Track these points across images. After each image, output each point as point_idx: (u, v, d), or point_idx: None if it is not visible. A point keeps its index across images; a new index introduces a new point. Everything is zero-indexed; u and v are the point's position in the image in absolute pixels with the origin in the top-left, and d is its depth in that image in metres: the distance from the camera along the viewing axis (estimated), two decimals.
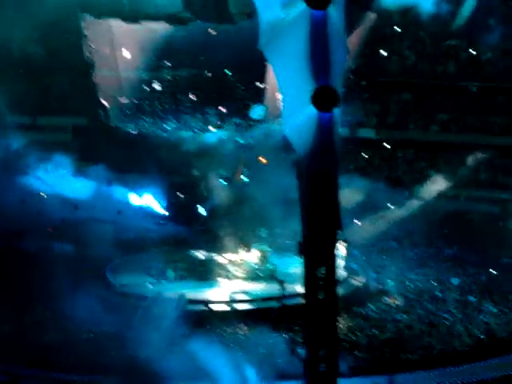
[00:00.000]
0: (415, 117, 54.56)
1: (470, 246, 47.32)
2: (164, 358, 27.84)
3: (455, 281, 41.29)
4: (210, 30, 43.71)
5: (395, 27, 54.08)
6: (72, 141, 53.45)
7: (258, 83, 48.48)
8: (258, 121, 48.98)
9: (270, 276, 38.83)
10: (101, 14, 41.21)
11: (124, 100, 50.01)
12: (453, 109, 53.84)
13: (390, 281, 41.11)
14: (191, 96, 50.03)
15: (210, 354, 27.78)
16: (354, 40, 47.86)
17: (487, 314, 35.90)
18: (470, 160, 50.20)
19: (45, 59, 51.79)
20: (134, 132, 50.33)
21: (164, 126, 50.56)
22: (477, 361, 30.69)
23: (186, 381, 27.17)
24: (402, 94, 55.49)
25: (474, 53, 53.29)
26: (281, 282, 36.25)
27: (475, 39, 51.83)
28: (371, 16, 46.34)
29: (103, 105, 50.13)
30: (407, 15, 45.12)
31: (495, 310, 36.52)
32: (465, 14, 43.00)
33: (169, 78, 50.10)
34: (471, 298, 38.25)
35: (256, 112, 48.66)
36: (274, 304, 36.01)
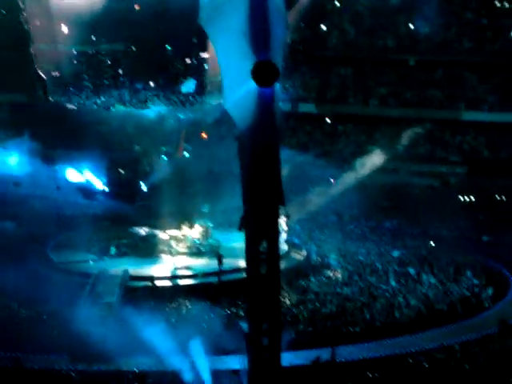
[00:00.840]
0: (355, 91, 54.92)
1: (409, 219, 47.98)
2: (108, 335, 27.78)
3: (395, 253, 41.82)
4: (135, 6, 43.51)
5: (335, 2, 54.38)
6: (10, 117, 52.62)
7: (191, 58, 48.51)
8: (189, 94, 48.87)
9: (212, 251, 38.87)
10: None
11: (61, 75, 49.46)
12: (392, 83, 54.33)
13: (331, 254, 41.46)
14: (122, 71, 49.82)
15: (153, 330, 27.78)
16: (294, 15, 48.05)
17: (426, 286, 36.43)
18: (409, 134, 50.75)
19: None
20: (72, 107, 49.83)
21: (100, 100, 50.25)
22: (417, 332, 31.19)
23: (130, 357, 27.14)
24: (341, 68, 55.81)
25: (413, 27, 53.82)
26: (219, 258, 36.25)
27: (414, 13, 52.30)
28: None
29: (41, 80, 49.51)
30: None
31: (434, 281, 37.09)
32: None
33: (105, 52, 49.69)
34: (411, 270, 38.76)
35: (187, 86, 48.58)
36: (213, 279, 36.09)
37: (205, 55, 49.14)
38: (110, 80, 51.58)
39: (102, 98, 51.52)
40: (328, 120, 54.17)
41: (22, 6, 46.96)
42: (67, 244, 41.44)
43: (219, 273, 36.10)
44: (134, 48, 50.49)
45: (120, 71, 50.93)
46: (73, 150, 48.65)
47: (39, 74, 49.84)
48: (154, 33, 48.12)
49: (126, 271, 35.80)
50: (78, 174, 50.90)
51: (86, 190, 50.10)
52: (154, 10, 46.47)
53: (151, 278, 35.71)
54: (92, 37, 49.75)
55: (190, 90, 49.41)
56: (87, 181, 51.05)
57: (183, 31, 47.09)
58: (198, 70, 49.70)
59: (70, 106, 50.68)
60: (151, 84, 50.64)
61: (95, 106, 50.78)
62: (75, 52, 50.42)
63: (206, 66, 49.57)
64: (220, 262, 36.17)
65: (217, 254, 36.99)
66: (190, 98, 49.49)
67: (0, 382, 25.34)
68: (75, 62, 50.38)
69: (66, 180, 50.25)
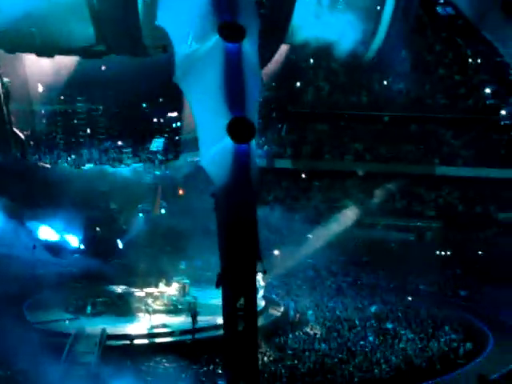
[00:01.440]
0: (330, 147, 55.29)
1: (387, 274, 47.98)
2: None
3: (373, 308, 41.70)
4: (102, 67, 43.86)
5: (310, 59, 54.92)
6: None
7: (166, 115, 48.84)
8: (157, 152, 49.15)
9: (189, 309, 38.57)
10: (14, 48, 40.61)
11: (33, 133, 49.50)
12: (367, 138, 54.79)
13: (308, 310, 41.29)
14: (94, 130, 50.09)
15: None
16: (269, 72, 48.47)
17: (404, 341, 36.27)
18: (385, 189, 51.04)
19: None
20: (45, 165, 49.72)
21: (71, 159, 50.25)
22: None
23: None
24: (317, 124, 56.23)
25: (386, 83, 54.44)
26: (193, 316, 35.95)
27: (386, 70, 52.89)
28: (285, 48, 46.80)
29: (19, 139, 49.44)
30: (320, 48, 45.75)
31: (412, 336, 36.95)
32: (375, 46, 43.87)
33: (80, 111, 49.93)
34: (389, 326, 38.65)
35: (155, 144, 48.94)
36: (186, 337, 35.77)
37: (174, 114, 49.60)
38: (81, 139, 51.71)
39: (73, 157, 51.59)
40: (304, 175, 54.38)
41: None
42: (43, 303, 40.98)
43: (193, 331, 35.76)
44: (104, 107, 50.80)
45: (89, 130, 51.15)
46: (48, 208, 48.42)
47: (16, 133, 49.80)
48: (127, 92, 48.43)
49: (103, 330, 35.42)
50: (52, 232, 50.63)
51: (60, 248, 49.80)
52: (127, 70, 46.84)
53: (130, 337, 35.35)
54: (65, 96, 49.93)
55: (158, 148, 49.89)
56: (62, 239, 50.77)
57: (154, 90, 47.49)
58: (169, 129, 50.07)
59: (43, 165, 50.56)
60: (119, 143, 50.90)
61: (66, 165, 50.76)
62: (47, 111, 50.53)
63: (175, 125, 50.02)
64: (194, 320, 35.86)
65: (191, 312, 36.67)
66: (159, 156, 49.76)
67: None
68: (47, 121, 50.44)
69: (41, 239, 49.94)
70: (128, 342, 35.11)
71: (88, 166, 50.29)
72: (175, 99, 43.09)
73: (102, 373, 30.56)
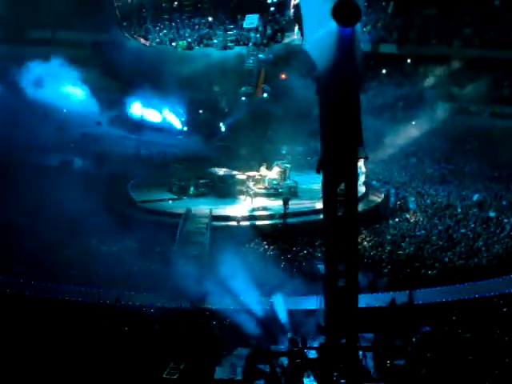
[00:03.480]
0: (438, 31, 53.81)
1: (491, 162, 47.09)
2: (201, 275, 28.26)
3: (475, 196, 41.15)
4: None
5: None
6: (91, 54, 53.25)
7: None
8: (250, 30, 48.00)
9: (290, 193, 38.82)
10: None
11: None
12: (475, 23, 53.08)
13: (410, 197, 41.10)
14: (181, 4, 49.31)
15: (235, 270, 27.98)
16: None
17: (507, 230, 35.83)
18: (493, 75, 49.68)
19: None
20: (146, 43, 49.94)
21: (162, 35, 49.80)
22: (495, 276, 30.79)
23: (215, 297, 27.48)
24: (424, 7, 54.68)
25: None
26: (284, 201, 36.15)
27: None
28: None
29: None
30: None
31: None
32: None
33: None
34: (491, 214, 38.16)
35: (249, 21, 47.69)
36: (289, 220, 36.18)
37: None
38: (167, 13, 51.00)
39: (163, 33, 51.19)
40: (409, 61, 53.23)
41: None
42: (147, 183, 41.90)
43: (284, 215, 36.07)
44: None
45: (176, 3, 50.21)
46: (151, 89, 48.92)
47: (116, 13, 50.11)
48: None
49: (210, 211, 36.01)
50: (156, 114, 51.33)
51: (164, 130, 50.54)
52: None
53: (235, 219, 35.94)
54: None
55: (252, 25, 48.46)
56: (165, 120, 51.45)
57: None
58: (262, 5, 48.50)
59: (144, 42, 50.59)
60: (210, 19, 49.75)
61: (158, 40, 50.43)
62: None
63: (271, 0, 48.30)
64: (286, 206, 36.12)
65: (283, 198, 36.89)
66: (253, 34, 48.35)
67: (100, 318, 25.82)
68: None
69: (145, 119, 50.74)
70: (235, 224, 35.72)
71: (179, 42, 49.79)
72: None
73: (213, 252, 31.36)
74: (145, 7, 52.79)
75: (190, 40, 51.54)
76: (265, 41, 48.99)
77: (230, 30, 50.66)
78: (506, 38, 51.93)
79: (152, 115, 51.33)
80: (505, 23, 52.42)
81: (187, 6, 51.66)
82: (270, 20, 49.58)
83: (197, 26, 51.92)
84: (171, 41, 51.71)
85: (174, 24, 52.59)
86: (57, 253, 31.12)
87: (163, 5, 52.32)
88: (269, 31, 49.09)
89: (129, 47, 50.25)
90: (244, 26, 48.94)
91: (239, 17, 50.45)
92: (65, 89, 51.51)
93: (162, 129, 50.75)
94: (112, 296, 27.56)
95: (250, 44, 48.27)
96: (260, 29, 48.74)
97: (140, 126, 50.25)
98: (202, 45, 50.93)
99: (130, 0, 52.46)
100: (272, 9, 48.85)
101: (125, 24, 52.14)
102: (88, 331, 24.34)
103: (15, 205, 34.38)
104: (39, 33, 54.69)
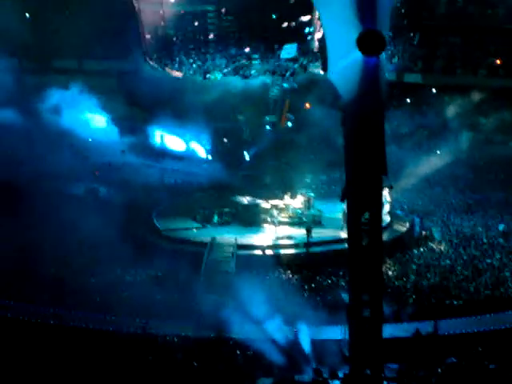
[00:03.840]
0: (463, 61, 53.76)
1: None
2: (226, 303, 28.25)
3: (501, 227, 40.88)
4: None
5: None
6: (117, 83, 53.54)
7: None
8: (290, 60, 47.95)
9: (314, 221, 38.81)
10: None
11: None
12: (501, 53, 52.98)
13: (434, 226, 40.91)
14: (219, 35, 49.23)
15: (260, 299, 27.96)
16: None
17: None
18: None
19: None
20: (178, 74, 50.16)
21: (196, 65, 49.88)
22: None
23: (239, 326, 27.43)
24: (449, 37, 54.67)
25: None
26: (307, 230, 36.16)
27: None
28: None
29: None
30: None
31: None
32: None
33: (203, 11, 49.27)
34: None
35: (287, 51, 47.59)
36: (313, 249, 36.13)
37: (306, 18, 47.91)
38: (204, 44, 51.07)
39: (197, 64, 51.26)
40: (434, 90, 53.18)
41: None
42: (171, 212, 42.02)
43: (308, 244, 36.04)
44: (229, 9, 49.65)
45: (213, 35, 50.22)
46: (177, 118, 49.18)
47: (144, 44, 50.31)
48: None
49: (235, 240, 36.02)
50: (181, 142, 51.55)
51: (189, 159, 50.72)
52: None
53: (261, 248, 35.95)
54: None
55: (290, 54, 48.37)
56: (190, 149, 51.64)
57: None
58: (298, 35, 48.46)
59: (172, 73, 50.81)
60: (247, 49, 49.77)
61: (192, 73, 50.66)
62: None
63: (307, 30, 48.33)
64: (309, 235, 36.09)
65: (307, 226, 36.87)
66: (290, 64, 48.42)
67: (127, 347, 25.83)
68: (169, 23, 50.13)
69: (169, 148, 50.96)
70: (260, 253, 35.68)
71: (215, 74, 50.09)
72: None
73: (238, 281, 31.35)
74: (177, 38, 53.03)
75: (225, 71, 51.68)
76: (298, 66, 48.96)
77: (267, 60, 50.78)
78: None
79: (176, 143, 51.57)
80: None
81: (221, 36, 51.69)
82: (306, 51, 49.59)
83: (233, 58, 52.08)
84: (206, 72, 51.90)
85: (208, 56, 52.82)
86: (82, 281, 31.25)
87: (197, 37, 52.53)
88: (305, 61, 49.15)
89: (153, 76, 50.48)
90: (282, 56, 48.94)
91: (276, 47, 50.57)
92: (86, 116, 51.93)
93: (187, 157, 50.95)
94: (136, 325, 27.56)
95: (288, 73, 48.33)
96: (299, 59, 48.82)
97: (163, 154, 50.47)
98: (237, 75, 51.07)
99: (160, 32, 52.63)
100: (309, 38, 48.90)
101: (155, 56, 52.44)
102: (112, 360, 24.34)
103: (41, 232, 34.53)
104: (65, 62, 55.19)
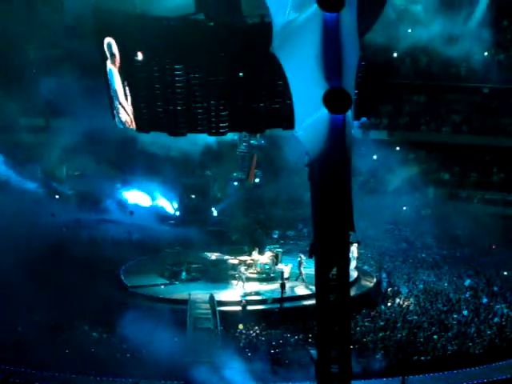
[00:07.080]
0: (427, 118, 54.54)
1: (482, 248, 47.23)
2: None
3: (467, 282, 41.18)
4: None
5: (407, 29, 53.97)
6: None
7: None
8: None
9: (280, 277, 38.85)
10: None
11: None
12: (465, 110, 53.85)
13: (401, 282, 41.11)
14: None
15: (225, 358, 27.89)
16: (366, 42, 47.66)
17: (499, 316, 35.77)
18: (482, 162, 50.23)
19: None
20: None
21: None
22: (489, 362, 30.63)
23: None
24: (414, 95, 55.50)
25: (486, 54, 53.21)
26: (281, 286, 36.22)
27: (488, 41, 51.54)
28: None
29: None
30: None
31: (507, 311, 36.40)
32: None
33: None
34: (484, 300, 38.13)
35: None
36: (275, 306, 36.10)
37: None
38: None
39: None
40: (399, 147, 53.82)
41: None
42: (138, 268, 41.84)
43: (282, 300, 36.05)
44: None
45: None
46: (144, 175, 49.28)
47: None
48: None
49: (211, 296, 35.89)
50: (147, 199, 51.52)
51: (157, 215, 50.64)
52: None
53: (240, 303, 35.85)
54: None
55: None
56: (158, 205, 51.61)
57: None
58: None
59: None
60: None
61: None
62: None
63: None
64: (283, 290, 36.13)
65: (280, 282, 36.93)
66: None
67: None
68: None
69: (136, 204, 50.89)
70: (239, 308, 35.59)
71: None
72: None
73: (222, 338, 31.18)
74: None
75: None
76: None
77: None
78: (494, 125, 52.72)
79: (144, 200, 51.52)
80: (493, 110, 53.27)
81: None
82: None
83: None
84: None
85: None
86: (49, 338, 30.93)
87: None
88: None
89: (122, 134, 50.63)
90: None
91: None
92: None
93: (154, 213, 50.86)
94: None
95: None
96: None
97: (131, 210, 50.35)
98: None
99: None
100: None
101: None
102: None
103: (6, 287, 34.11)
104: (32, 120, 55.13)
